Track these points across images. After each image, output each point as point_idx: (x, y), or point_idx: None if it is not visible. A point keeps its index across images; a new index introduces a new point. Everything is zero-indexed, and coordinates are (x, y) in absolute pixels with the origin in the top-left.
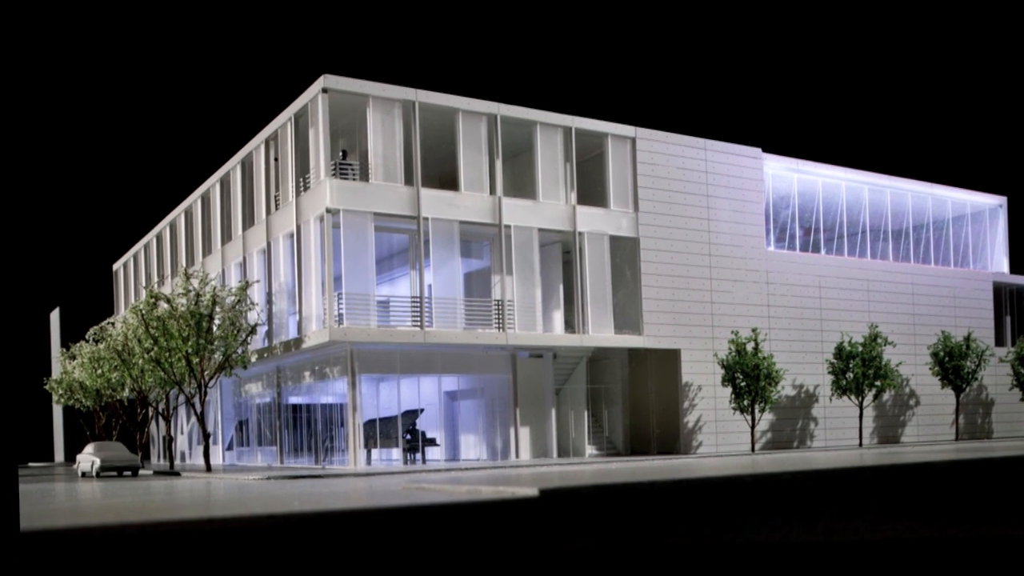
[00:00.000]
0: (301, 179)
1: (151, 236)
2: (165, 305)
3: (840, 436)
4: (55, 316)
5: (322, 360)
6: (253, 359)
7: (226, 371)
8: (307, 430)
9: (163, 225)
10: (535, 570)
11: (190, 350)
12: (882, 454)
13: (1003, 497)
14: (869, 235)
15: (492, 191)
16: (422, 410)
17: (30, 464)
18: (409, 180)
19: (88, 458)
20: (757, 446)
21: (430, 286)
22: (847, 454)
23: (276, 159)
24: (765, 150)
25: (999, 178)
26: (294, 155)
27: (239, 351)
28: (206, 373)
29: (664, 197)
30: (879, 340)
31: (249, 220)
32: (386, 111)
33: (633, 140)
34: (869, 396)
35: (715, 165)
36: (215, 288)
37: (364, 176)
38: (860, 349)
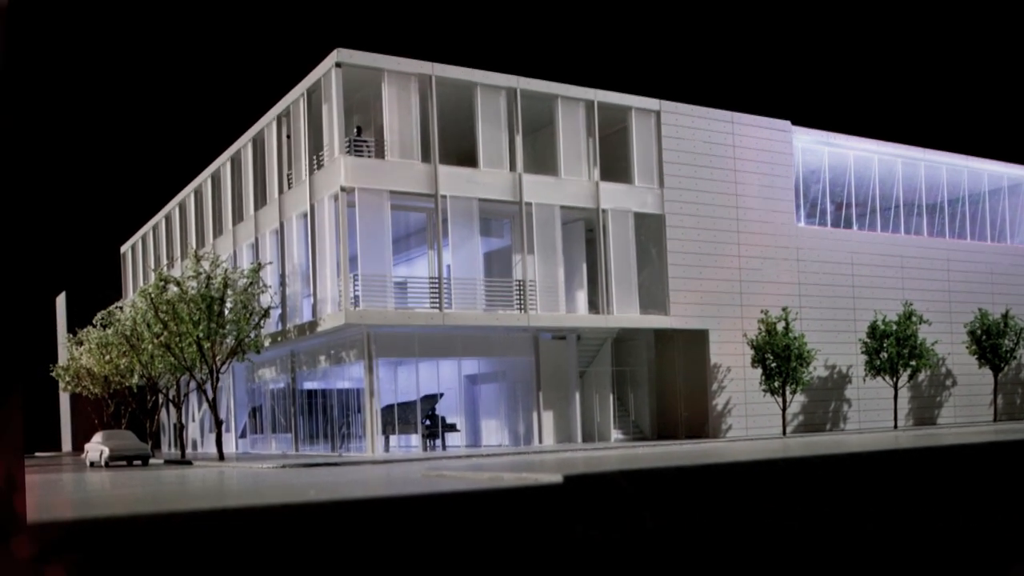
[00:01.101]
0: (314, 157)
1: (160, 217)
2: (175, 288)
3: (874, 418)
4: (61, 300)
5: (338, 344)
6: (266, 343)
7: (238, 356)
8: (323, 416)
9: (172, 206)
10: (560, 559)
11: (201, 335)
12: (918, 436)
13: None
14: (903, 210)
15: (512, 167)
16: (442, 395)
17: (36, 454)
18: (426, 157)
19: (97, 447)
20: (788, 429)
21: (449, 266)
22: (882, 436)
23: (288, 136)
24: (794, 123)
25: None
26: (307, 132)
27: (252, 335)
28: (218, 358)
29: (690, 172)
30: (914, 318)
31: (261, 199)
32: (402, 86)
33: (658, 113)
34: (904, 376)
35: (743, 139)
36: (226, 270)
37: (380, 153)
38: (894, 328)
